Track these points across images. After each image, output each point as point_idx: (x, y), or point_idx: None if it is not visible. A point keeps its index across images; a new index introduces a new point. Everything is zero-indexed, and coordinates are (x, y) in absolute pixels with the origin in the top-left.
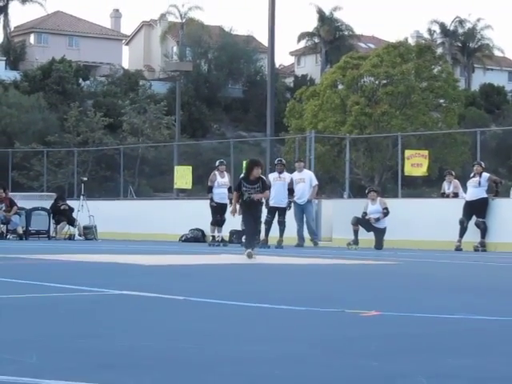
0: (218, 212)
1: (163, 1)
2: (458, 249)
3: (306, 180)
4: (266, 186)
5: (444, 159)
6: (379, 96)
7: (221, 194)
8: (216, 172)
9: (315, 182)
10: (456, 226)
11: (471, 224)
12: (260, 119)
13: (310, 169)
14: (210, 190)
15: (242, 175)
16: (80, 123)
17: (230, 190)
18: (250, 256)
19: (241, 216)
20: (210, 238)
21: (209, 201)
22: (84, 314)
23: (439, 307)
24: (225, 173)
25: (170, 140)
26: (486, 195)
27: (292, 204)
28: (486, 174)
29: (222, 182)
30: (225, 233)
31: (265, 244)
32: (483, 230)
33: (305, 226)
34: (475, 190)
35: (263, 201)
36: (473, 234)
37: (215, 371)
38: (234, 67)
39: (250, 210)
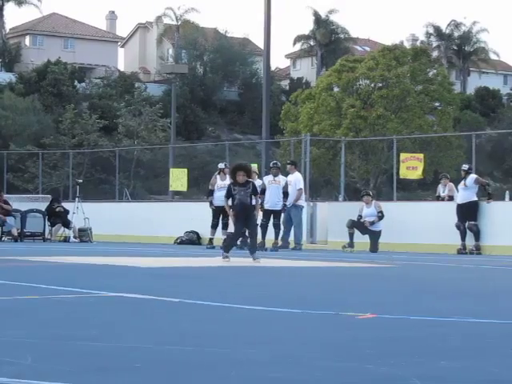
0: (219, 215)
1: (159, 3)
2: (461, 252)
3: (292, 183)
4: (256, 190)
5: (439, 162)
6: (374, 99)
7: (222, 196)
8: (218, 175)
9: (300, 185)
10: (451, 229)
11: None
12: (255, 122)
13: (305, 172)
14: (210, 193)
15: (231, 180)
16: (75, 125)
17: None
18: (225, 259)
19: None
20: (208, 240)
21: (208, 204)
22: (79, 316)
23: (434, 310)
24: (227, 175)
25: (166, 142)
26: (475, 198)
27: (286, 207)
28: (472, 176)
29: (222, 184)
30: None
31: (261, 247)
32: (476, 232)
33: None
34: (463, 192)
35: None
36: (467, 238)
37: (211, 373)
38: (229, 70)
39: (242, 216)
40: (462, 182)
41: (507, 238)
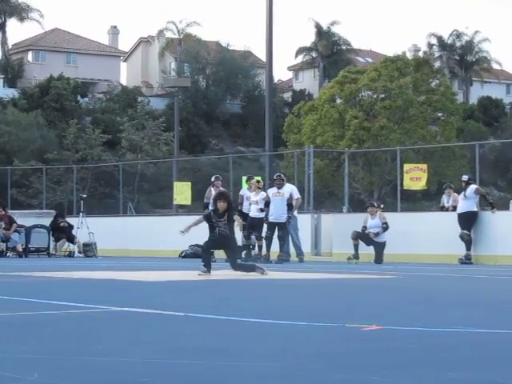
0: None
1: (161, 17)
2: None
3: (287, 194)
4: (231, 218)
5: (443, 173)
6: (377, 110)
7: None
8: (212, 188)
9: (298, 194)
10: (455, 240)
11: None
12: (258, 134)
13: (309, 183)
14: (206, 206)
15: (212, 208)
16: (79, 140)
17: None
18: (201, 274)
19: (242, 232)
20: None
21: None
22: (84, 331)
23: (440, 320)
24: (220, 188)
25: (169, 156)
26: (475, 209)
27: (291, 219)
28: (472, 186)
29: None
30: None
31: (266, 259)
32: (467, 242)
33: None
34: (463, 202)
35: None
36: (461, 247)
37: None
38: (231, 83)
39: (220, 246)
40: (462, 193)
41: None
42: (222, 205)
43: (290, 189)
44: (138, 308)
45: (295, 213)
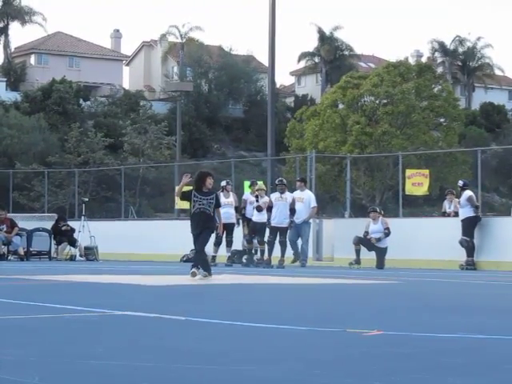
0: (222, 232)
1: (163, 21)
2: (468, 268)
3: (305, 200)
4: (219, 203)
5: (445, 178)
6: (379, 115)
7: (225, 213)
8: (220, 193)
9: (314, 203)
10: (457, 245)
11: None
12: (261, 139)
13: (310, 188)
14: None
15: (194, 187)
16: (81, 144)
17: (236, 209)
18: (193, 275)
19: (241, 236)
20: (210, 257)
21: None
22: (85, 335)
23: (440, 326)
24: (230, 193)
25: (171, 160)
26: (471, 214)
27: (293, 224)
28: (466, 193)
29: (225, 201)
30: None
31: (268, 264)
32: (467, 248)
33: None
34: (460, 209)
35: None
36: (463, 253)
37: None
38: (234, 87)
39: (199, 225)
40: (459, 199)
41: None
42: (210, 182)
43: (308, 196)
44: (139, 312)
45: (310, 220)
